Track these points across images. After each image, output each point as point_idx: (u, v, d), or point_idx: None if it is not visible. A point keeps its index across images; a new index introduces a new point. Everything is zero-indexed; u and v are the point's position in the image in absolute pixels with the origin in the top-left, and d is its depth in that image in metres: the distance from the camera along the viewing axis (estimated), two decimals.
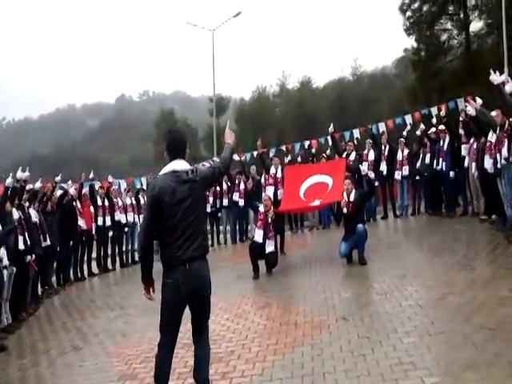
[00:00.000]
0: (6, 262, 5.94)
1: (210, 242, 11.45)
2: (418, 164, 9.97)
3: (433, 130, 9.66)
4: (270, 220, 7.11)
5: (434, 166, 9.20)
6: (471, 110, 7.34)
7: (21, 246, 6.64)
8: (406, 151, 10.26)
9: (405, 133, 10.84)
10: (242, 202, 10.95)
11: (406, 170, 10.19)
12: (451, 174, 8.76)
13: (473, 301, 4.32)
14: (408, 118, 12.74)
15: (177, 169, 3.09)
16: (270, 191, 9.23)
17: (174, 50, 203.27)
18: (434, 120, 10.42)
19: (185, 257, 2.99)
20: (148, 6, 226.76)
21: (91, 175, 10.32)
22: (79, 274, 9.27)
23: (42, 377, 4.38)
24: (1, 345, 5.32)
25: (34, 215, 7.48)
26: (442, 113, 9.97)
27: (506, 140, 5.73)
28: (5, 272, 5.93)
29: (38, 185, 8.21)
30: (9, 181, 6.73)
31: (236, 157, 12.63)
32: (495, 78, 5.41)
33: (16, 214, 6.75)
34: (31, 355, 5.03)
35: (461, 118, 8.60)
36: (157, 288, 3.17)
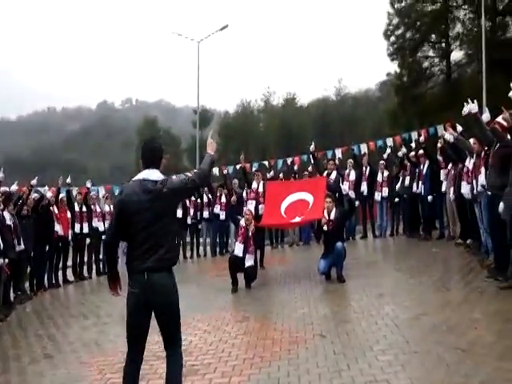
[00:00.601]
0: None
1: (189, 254, 11.40)
2: (398, 186, 10.20)
3: (412, 153, 9.93)
4: (250, 234, 7.14)
5: (414, 189, 9.42)
6: (449, 137, 7.59)
7: None
8: (386, 173, 10.51)
9: (385, 155, 11.10)
10: (222, 215, 10.97)
11: (385, 192, 10.41)
12: (429, 197, 8.98)
13: (446, 322, 4.42)
14: (389, 141, 13.03)
15: (146, 178, 3.08)
16: (251, 205, 9.27)
17: (159, 59, 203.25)
18: (413, 145, 10.72)
19: (144, 266, 2.97)
20: (135, 14, 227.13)
21: (68, 180, 10.17)
22: (54, 281, 9.06)
23: None
24: None
25: (8, 218, 7.31)
26: (422, 139, 10.26)
27: (483, 167, 5.93)
28: None
29: (13, 187, 8.06)
30: None
31: (216, 170, 12.75)
32: (472, 107, 5.60)
33: None
34: (1, 362, 4.87)
35: (439, 145, 8.86)
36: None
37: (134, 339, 3.08)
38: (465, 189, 6.92)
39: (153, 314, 3.06)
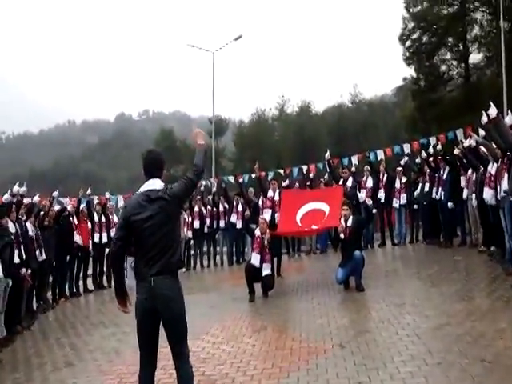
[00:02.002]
0: (0, 274, 5.90)
1: (206, 263, 11.43)
2: (417, 192, 10.05)
3: (431, 159, 9.78)
4: (266, 242, 7.12)
5: (433, 195, 9.27)
6: (470, 142, 7.44)
7: (16, 260, 6.60)
8: (404, 179, 10.37)
9: (402, 162, 10.97)
10: (239, 224, 10.97)
11: (403, 198, 10.26)
12: (449, 204, 8.81)
13: (471, 332, 4.32)
14: (406, 147, 12.89)
15: (149, 188, 3.15)
16: (267, 214, 9.26)
17: (174, 71, 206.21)
18: (431, 150, 10.59)
19: (150, 272, 3.01)
20: (151, 27, 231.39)
21: (89, 191, 10.34)
22: (75, 290, 9.19)
23: None
24: None
25: (31, 229, 7.46)
26: (439, 147, 10.12)
27: (506, 172, 5.80)
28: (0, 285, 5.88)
29: (36, 198, 8.23)
30: (6, 196, 6.76)
31: (232, 179, 12.72)
32: (490, 111, 5.50)
33: (13, 228, 6.74)
34: (25, 369, 4.95)
35: (456, 151, 8.71)
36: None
37: (145, 346, 3.10)
38: (487, 194, 6.77)
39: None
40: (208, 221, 11.38)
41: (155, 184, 3.16)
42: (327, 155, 9.27)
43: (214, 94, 24.75)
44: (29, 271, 6.92)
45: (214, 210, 11.48)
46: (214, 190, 12.28)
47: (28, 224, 7.42)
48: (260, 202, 10.48)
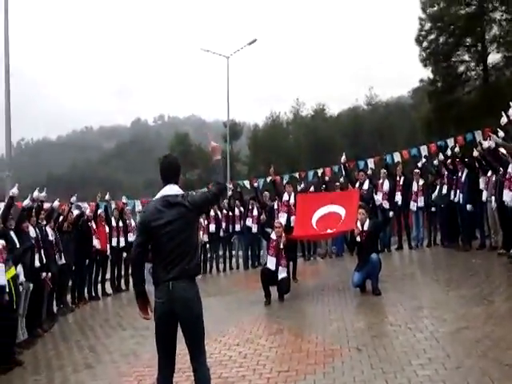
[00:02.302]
0: (22, 278, 6.03)
1: (222, 267, 11.48)
2: (434, 195, 9.95)
3: (449, 161, 9.68)
4: (281, 246, 7.13)
5: (451, 198, 9.16)
6: (489, 143, 7.33)
7: (37, 264, 6.75)
8: (421, 182, 10.27)
9: (420, 164, 10.87)
10: (254, 228, 11.00)
11: (421, 201, 10.16)
12: (468, 206, 8.69)
13: (490, 335, 4.26)
14: (423, 150, 12.78)
15: (167, 193, 3.19)
16: (282, 218, 9.27)
17: (189, 76, 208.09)
18: (449, 152, 10.46)
19: (168, 277, 3.05)
20: (165, 32, 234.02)
21: (107, 196, 10.51)
22: (93, 293, 9.35)
23: None
24: (16, 359, 5.37)
25: (51, 234, 7.61)
26: (457, 149, 10.01)
27: None
28: (21, 288, 6.01)
29: (55, 204, 8.39)
30: (26, 202, 6.91)
31: (247, 183, 12.74)
32: (510, 112, 5.44)
33: (33, 233, 6.89)
34: (46, 371, 5.06)
35: (475, 153, 8.60)
36: None
37: (164, 349, 3.14)
38: (507, 196, 6.68)
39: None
40: (224, 225, 11.45)
41: (172, 189, 3.21)
42: (343, 158, 9.25)
43: (229, 99, 24.82)
44: (49, 275, 7.07)
45: (230, 214, 11.54)
46: (229, 194, 12.35)
47: (48, 229, 7.58)
48: (275, 206, 10.50)
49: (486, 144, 8.23)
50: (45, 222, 7.53)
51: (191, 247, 3.16)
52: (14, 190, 6.47)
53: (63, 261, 7.87)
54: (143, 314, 3.21)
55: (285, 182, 12.82)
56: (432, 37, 23.11)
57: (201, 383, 3.13)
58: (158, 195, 3.24)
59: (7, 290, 5.25)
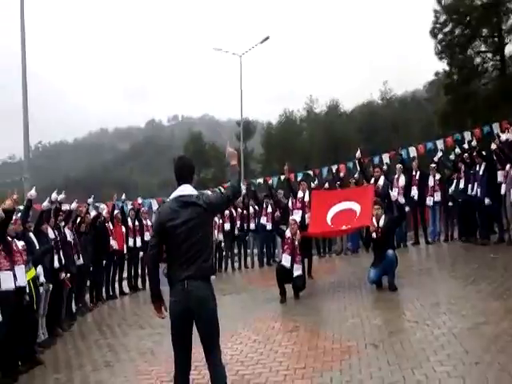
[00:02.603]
0: (42, 279, 6.16)
1: (237, 265, 11.53)
2: (451, 189, 9.82)
3: (466, 155, 9.54)
4: (296, 243, 7.12)
5: (469, 192, 9.03)
6: (508, 136, 7.19)
7: (56, 265, 6.87)
8: (438, 176, 10.15)
9: (436, 158, 10.74)
10: (269, 226, 11.01)
11: (437, 196, 10.05)
12: (486, 200, 8.55)
13: (509, 331, 4.20)
14: (440, 143, 12.60)
15: (181, 194, 3.22)
16: (297, 215, 9.25)
17: (202, 75, 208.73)
18: (466, 146, 10.30)
19: (183, 276, 3.08)
20: (177, 33, 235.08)
21: (123, 197, 10.62)
22: (111, 293, 9.47)
23: None
24: (38, 359, 5.48)
25: (69, 235, 7.74)
26: (474, 142, 9.83)
27: None
28: (41, 289, 6.13)
29: (74, 205, 8.51)
30: (45, 204, 7.03)
31: (261, 181, 12.71)
32: None
33: (52, 234, 7.02)
34: (66, 370, 5.15)
35: (494, 146, 8.45)
36: None
37: (179, 347, 3.18)
38: None
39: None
40: (238, 223, 11.48)
41: (187, 189, 3.24)
42: (358, 154, 9.18)
43: (242, 97, 24.80)
44: (68, 275, 7.19)
45: (244, 212, 11.57)
46: (243, 192, 12.37)
47: (66, 230, 7.70)
48: (290, 204, 10.49)
49: (503, 136, 8.10)
50: (63, 224, 7.65)
51: (206, 247, 3.20)
52: (32, 193, 6.60)
53: (81, 261, 7.99)
54: (158, 313, 3.27)
55: (299, 179, 12.78)
56: (447, 29, 22.78)
57: (216, 381, 3.16)
58: (173, 195, 3.27)
59: (28, 290, 5.37)
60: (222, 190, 3.48)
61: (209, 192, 3.40)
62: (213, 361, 3.17)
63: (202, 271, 3.13)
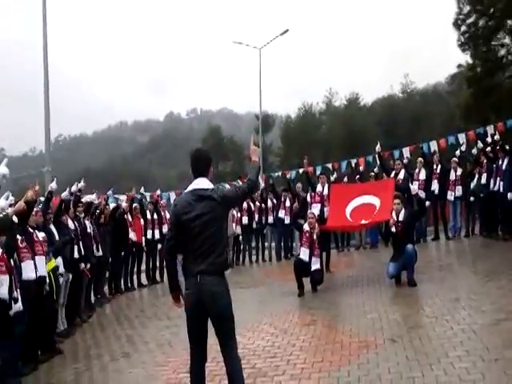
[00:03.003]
0: (62, 269, 6.27)
1: (254, 258, 11.55)
2: (473, 184, 9.63)
3: (489, 149, 9.33)
4: (315, 237, 7.08)
5: (491, 187, 8.84)
6: None
7: (76, 255, 6.99)
8: (460, 171, 9.95)
9: (458, 152, 10.53)
10: (287, 220, 10.99)
11: (459, 191, 9.86)
12: (509, 195, 8.36)
13: None
14: (461, 137, 12.35)
15: (197, 187, 3.21)
16: (316, 209, 9.20)
17: (221, 68, 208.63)
18: (489, 140, 10.06)
19: (197, 269, 3.09)
20: (197, 26, 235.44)
21: (142, 190, 10.72)
22: (129, 285, 9.59)
23: (95, 381, 4.56)
24: (57, 348, 5.60)
25: (89, 226, 7.85)
26: (497, 137, 9.60)
27: None
28: (61, 279, 6.25)
29: (93, 196, 8.61)
30: (65, 193, 7.13)
31: (279, 174, 12.63)
32: None
33: (72, 225, 7.13)
34: (85, 360, 5.25)
35: None
36: None
37: (195, 340, 3.20)
38: None
39: None
40: (256, 216, 11.49)
41: (203, 183, 3.22)
42: (378, 147, 9.06)
43: (261, 90, 24.71)
44: (88, 266, 7.31)
45: (263, 205, 11.57)
46: (262, 186, 12.36)
47: (86, 221, 7.82)
48: (308, 197, 10.44)
49: None
50: (83, 215, 7.76)
51: (220, 242, 3.19)
52: (53, 185, 6.71)
53: (100, 253, 8.11)
54: (175, 302, 3.32)
55: (318, 173, 12.70)
56: (471, 20, 22.27)
57: (232, 374, 3.16)
58: (189, 188, 3.27)
59: (48, 281, 5.48)
60: (239, 184, 3.45)
61: (227, 185, 3.37)
62: (228, 354, 3.17)
63: (216, 266, 3.13)
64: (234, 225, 11.01)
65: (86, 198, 8.19)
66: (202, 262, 3.11)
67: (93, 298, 8.13)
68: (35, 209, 5.81)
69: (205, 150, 3.58)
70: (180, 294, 3.29)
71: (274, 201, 11.53)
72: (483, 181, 9.19)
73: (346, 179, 11.13)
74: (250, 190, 3.33)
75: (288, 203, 11.06)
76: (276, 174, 15.48)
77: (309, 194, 10.28)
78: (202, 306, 3.10)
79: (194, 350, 3.22)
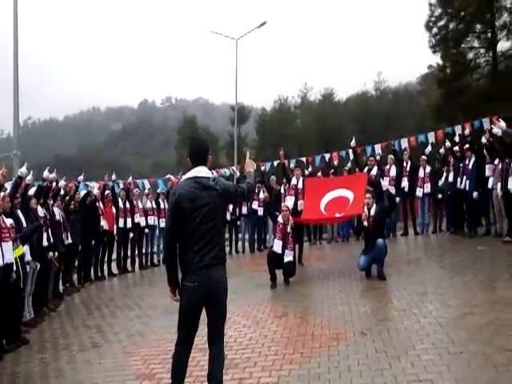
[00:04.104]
0: (28, 257, 6.07)
1: (228, 250, 11.55)
2: (441, 182, 9.90)
3: (456, 148, 9.60)
4: (289, 230, 7.13)
5: (458, 185, 9.11)
6: (497, 130, 7.26)
7: (44, 243, 6.80)
8: (428, 168, 10.21)
9: (427, 150, 10.79)
10: (260, 211, 11.03)
11: (427, 188, 10.11)
12: (475, 194, 8.65)
13: (494, 322, 4.27)
14: (431, 136, 12.67)
15: (198, 175, 3.16)
16: (290, 201, 9.26)
17: (197, 58, 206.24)
18: (457, 139, 10.35)
19: (203, 263, 3.07)
20: (174, 13, 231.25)
21: (113, 177, 10.51)
22: (99, 274, 9.42)
23: (62, 372, 4.47)
24: (23, 338, 5.45)
25: (58, 213, 7.65)
26: (467, 132, 9.88)
27: None
28: (28, 267, 6.07)
29: (61, 183, 8.37)
30: (29, 178, 6.70)
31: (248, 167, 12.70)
32: None
33: (41, 212, 6.93)
34: (52, 350, 5.14)
35: (484, 140, 8.51)
36: None
37: (188, 330, 3.19)
38: None
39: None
40: (230, 207, 11.47)
41: (203, 171, 3.18)
42: (353, 142, 9.17)
43: (237, 82, 24.55)
44: (56, 254, 7.13)
45: None
46: (237, 175, 12.34)
47: (55, 208, 7.61)
48: (282, 190, 10.49)
49: (494, 130, 8.15)
50: (51, 202, 7.55)
51: (221, 234, 3.24)
52: (23, 170, 6.46)
53: (70, 240, 7.93)
54: (173, 295, 3.26)
55: (292, 166, 12.78)
56: (442, 23, 22.82)
57: (213, 362, 3.20)
58: (188, 175, 3.20)
59: (14, 268, 5.31)
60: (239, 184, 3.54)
61: (228, 182, 3.39)
62: (217, 343, 3.21)
63: (219, 259, 3.16)
64: None
65: (54, 184, 7.95)
66: (206, 255, 3.09)
67: (61, 287, 7.96)
68: (2, 194, 5.62)
69: (203, 139, 3.67)
70: (178, 287, 3.22)
71: None
72: (450, 179, 9.45)
73: (320, 174, 11.23)
74: (248, 190, 3.43)
75: (262, 195, 11.09)
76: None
77: (283, 187, 10.33)
78: (206, 297, 3.11)
79: (183, 340, 3.21)
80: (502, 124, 7.01)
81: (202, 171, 3.18)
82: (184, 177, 3.27)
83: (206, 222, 3.08)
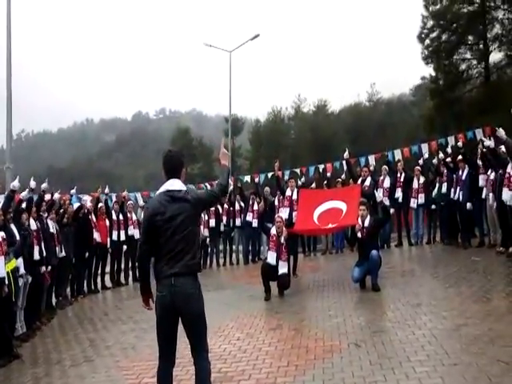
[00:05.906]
0: (22, 271, 6.04)
1: (222, 261, 11.51)
2: (434, 193, 9.96)
3: (449, 159, 9.68)
4: (283, 240, 7.13)
5: (451, 196, 9.16)
6: (489, 142, 7.33)
7: (36, 257, 6.74)
8: (422, 179, 10.27)
9: (421, 161, 10.87)
10: (255, 223, 11.01)
11: (421, 198, 10.16)
12: (468, 204, 8.70)
13: (488, 333, 4.28)
14: (424, 147, 12.78)
15: (170, 188, 3.19)
16: (284, 213, 9.27)
17: (191, 70, 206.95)
18: (450, 150, 10.47)
19: (171, 271, 3.07)
20: (168, 26, 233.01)
21: (107, 190, 10.49)
22: (93, 287, 9.34)
23: None
24: (15, 353, 5.38)
25: (52, 226, 7.61)
26: (460, 144, 9.97)
27: None
28: (20, 281, 6.02)
29: (56, 195, 8.36)
30: (24, 193, 6.83)
31: (248, 178, 12.67)
32: None
33: (34, 225, 6.88)
34: (44, 365, 5.08)
35: (479, 150, 8.59)
36: None
37: (165, 343, 3.17)
38: (506, 195, 6.69)
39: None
40: (224, 219, 11.46)
41: (175, 184, 3.21)
42: (346, 154, 9.24)
43: (231, 93, 24.73)
44: (48, 268, 7.06)
45: (231, 208, 11.55)
46: (231, 187, 12.35)
47: (49, 221, 7.57)
48: (276, 201, 10.50)
49: (487, 142, 8.25)
50: (46, 214, 7.51)
51: (193, 244, 3.18)
52: (15, 183, 6.45)
53: (63, 253, 7.87)
54: (146, 305, 3.28)
55: (286, 177, 12.82)
56: (434, 34, 23.14)
57: (201, 377, 3.15)
58: (161, 189, 3.24)
59: (6, 282, 5.26)
60: (209, 187, 3.51)
61: (191, 186, 3.39)
62: (198, 357, 3.16)
63: (189, 268, 3.12)
64: (201, 227, 10.93)
65: (49, 197, 7.93)
66: (176, 263, 3.08)
67: (54, 301, 7.87)
68: None
69: (177, 151, 3.56)
70: (151, 297, 3.25)
71: (242, 204, 11.54)
72: (444, 190, 9.50)
73: (313, 185, 11.27)
74: (221, 192, 3.37)
75: (256, 206, 11.09)
76: (245, 179, 15.48)
77: (277, 198, 10.35)
78: (174, 307, 3.08)
79: (162, 353, 3.19)
80: (502, 132, 7.06)
81: (174, 184, 3.20)
82: (158, 191, 3.29)
83: (179, 233, 3.10)
